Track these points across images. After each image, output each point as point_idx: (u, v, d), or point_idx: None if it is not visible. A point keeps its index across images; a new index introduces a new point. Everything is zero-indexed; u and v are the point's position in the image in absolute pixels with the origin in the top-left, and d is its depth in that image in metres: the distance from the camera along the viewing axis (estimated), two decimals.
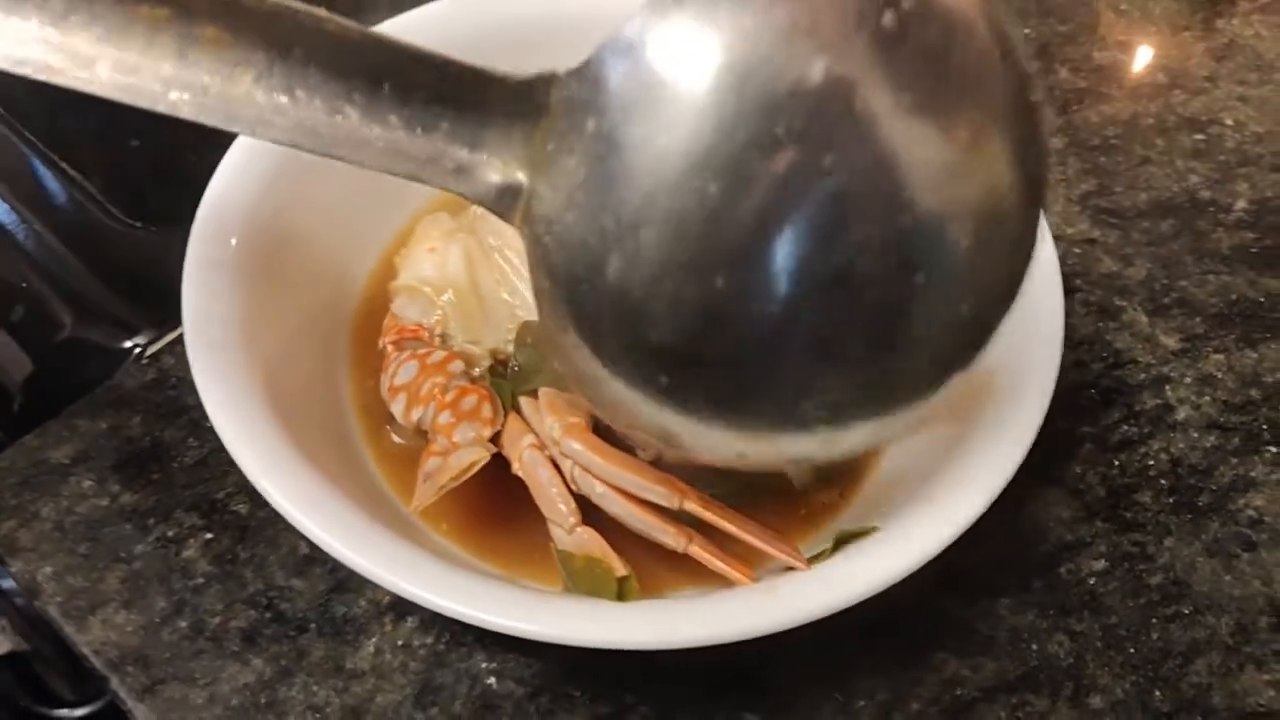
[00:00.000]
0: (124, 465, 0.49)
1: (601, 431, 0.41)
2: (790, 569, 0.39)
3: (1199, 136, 0.65)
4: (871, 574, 0.37)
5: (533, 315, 0.45)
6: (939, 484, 0.40)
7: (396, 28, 0.51)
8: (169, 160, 0.61)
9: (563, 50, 0.51)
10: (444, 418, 0.41)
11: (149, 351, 0.53)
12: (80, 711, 0.48)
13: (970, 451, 0.41)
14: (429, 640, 0.45)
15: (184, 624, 0.45)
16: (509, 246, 0.46)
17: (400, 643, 0.45)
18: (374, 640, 0.45)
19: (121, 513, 0.48)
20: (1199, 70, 0.69)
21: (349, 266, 0.50)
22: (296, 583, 0.46)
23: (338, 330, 0.49)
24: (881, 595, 0.38)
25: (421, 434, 0.43)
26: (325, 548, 0.37)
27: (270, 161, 0.47)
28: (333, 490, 0.39)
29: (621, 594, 0.38)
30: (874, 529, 0.39)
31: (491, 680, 0.45)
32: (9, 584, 0.47)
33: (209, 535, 0.47)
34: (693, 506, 0.38)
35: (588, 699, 0.44)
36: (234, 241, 0.44)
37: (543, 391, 0.42)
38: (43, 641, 0.48)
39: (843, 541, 0.39)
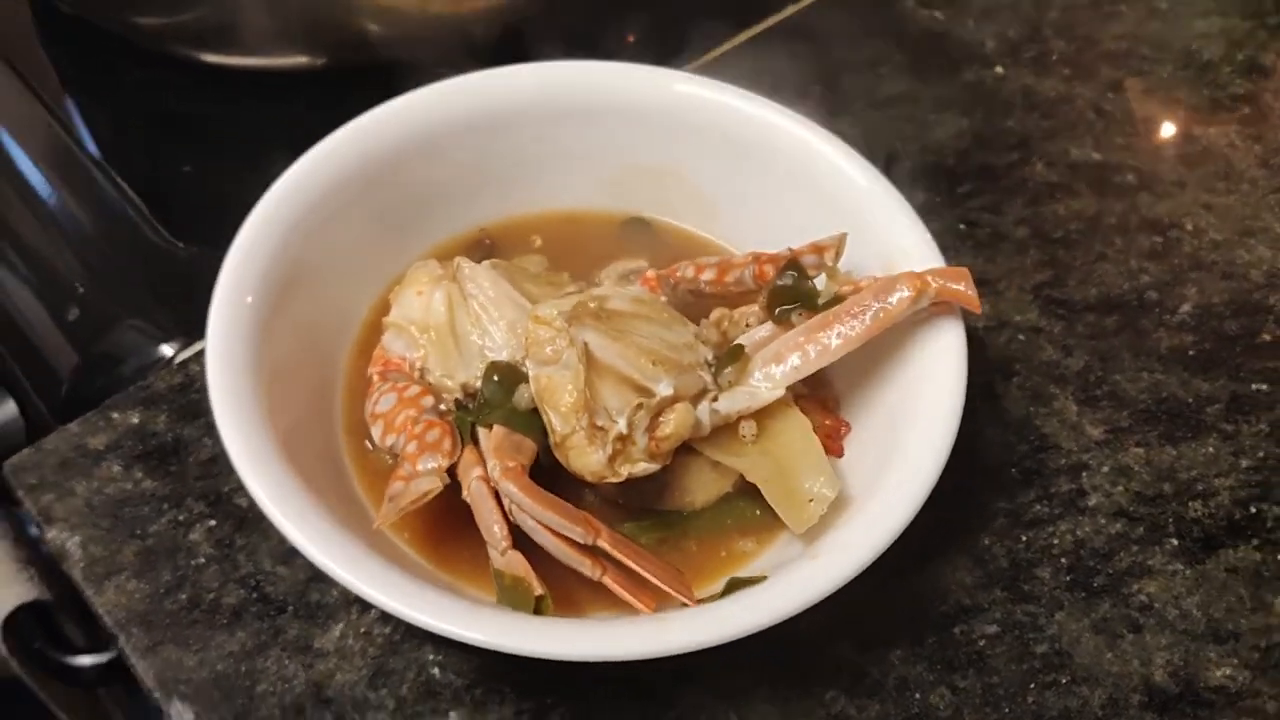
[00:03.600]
0: (148, 456, 0.57)
1: (539, 474, 0.48)
2: (684, 605, 0.45)
3: (1157, 238, 0.69)
4: (749, 616, 0.43)
5: (499, 356, 0.52)
6: (825, 544, 0.46)
7: (410, 103, 0.58)
8: (214, 189, 0.68)
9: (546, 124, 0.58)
10: (411, 447, 0.48)
11: (178, 359, 0.61)
12: (91, 660, 0.55)
13: (858, 517, 0.46)
14: (387, 630, 0.52)
15: (184, 596, 0.52)
16: (484, 294, 0.52)
17: (362, 630, 0.52)
18: (340, 625, 0.52)
19: (141, 496, 0.55)
20: (1170, 174, 0.73)
21: (354, 299, 0.57)
22: (281, 570, 0.54)
23: (337, 355, 0.56)
24: (786, 633, 0.44)
25: (394, 456, 0.50)
26: (295, 543, 0.44)
27: (297, 209, 0.54)
28: (311, 496, 0.46)
29: (538, 610, 0.45)
30: (763, 578, 0.45)
31: (436, 670, 0.51)
32: (37, 535, 0.54)
33: (212, 522, 0.55)
34: (604, 544, 0.45)
35: (515, 694, 0.51)
36: (258, 279, 0.51)
37: (494, 431, 0.48)
38: (64, 596, 0.55)
39: (733, 586, 0.45)
